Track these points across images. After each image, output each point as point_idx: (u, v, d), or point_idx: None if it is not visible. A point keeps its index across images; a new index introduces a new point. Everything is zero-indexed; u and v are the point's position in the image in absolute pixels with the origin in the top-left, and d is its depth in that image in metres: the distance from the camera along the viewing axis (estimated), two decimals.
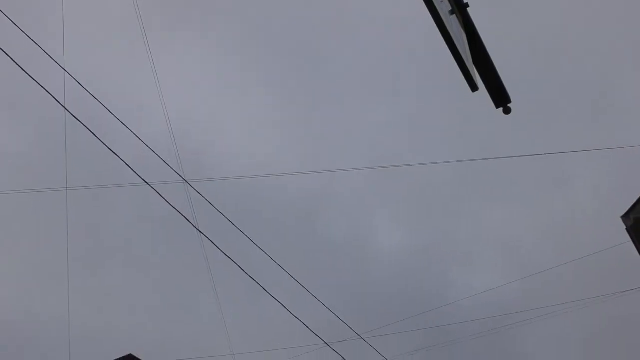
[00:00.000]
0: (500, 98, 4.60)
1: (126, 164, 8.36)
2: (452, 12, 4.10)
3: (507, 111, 4.54)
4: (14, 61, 6.77)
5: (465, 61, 3.93)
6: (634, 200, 18.10)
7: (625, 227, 17.66)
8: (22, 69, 6.85)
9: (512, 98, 4.64)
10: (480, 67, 4.49)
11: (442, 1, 3.88)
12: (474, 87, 3.99)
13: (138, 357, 31.39)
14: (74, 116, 7.56)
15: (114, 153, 8.24)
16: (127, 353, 31.42)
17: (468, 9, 4.49)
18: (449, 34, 3.74)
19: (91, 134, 7.87)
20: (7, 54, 6.71)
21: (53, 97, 7.27)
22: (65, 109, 7.64)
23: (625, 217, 17.63)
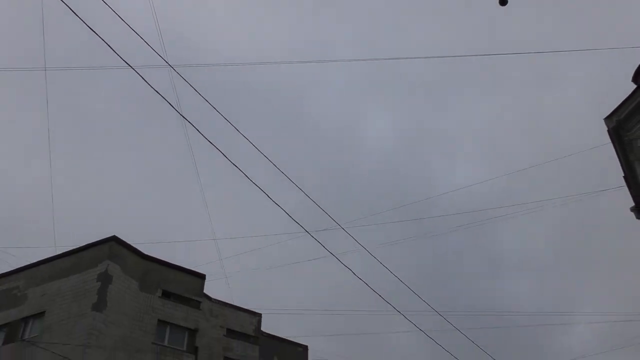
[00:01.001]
0: None
1: (107, 45, 8.12)
2: None
3: (504, 2, 4.44)
4: None
5: None
6: (619, 103, 18.17)
7: (607, 128, 17.90)
8: None
9: None
10: None
11: None
12: None
13: (122, 238, 32.09)
14: None
15: (95, 32, 7.98)
16: (111, 235, 32.04)
17: None
18: None
19: (71, 12, 7.57)
20: None
21: None
22: None
23: (608, 118, 17.82)
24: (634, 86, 18.96)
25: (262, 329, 37.87)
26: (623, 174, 20.12)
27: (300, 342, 40.16)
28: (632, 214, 20.74)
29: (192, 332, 33.08)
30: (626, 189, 20.55)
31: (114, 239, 30.93)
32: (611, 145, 19.23)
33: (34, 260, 32.41)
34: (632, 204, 20.51)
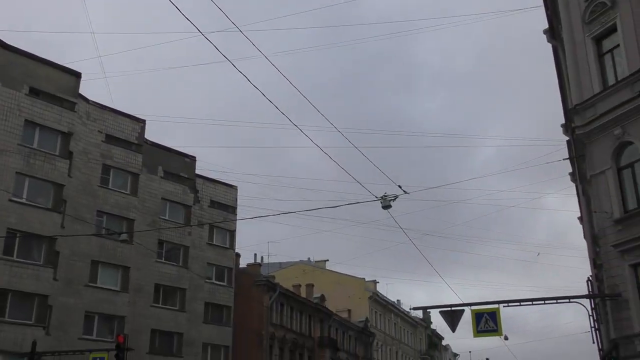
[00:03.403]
0: None
1: None
2: None
3: None
4: None
5: None
6: None
7: None
8: None
9: None
10: None
11: None
12: None
13: None
14: None
15: None
16: None
17: None
18: None
19: None
20: None
21: None
22: None
23: None
24: None
25: (147, 137, 37.79)
26: None
27: (189, 153, 40.75)
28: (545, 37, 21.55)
29: (66, 136, 32.41)
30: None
31: None
32: None
33: None
34: (547, 25, 21.22)
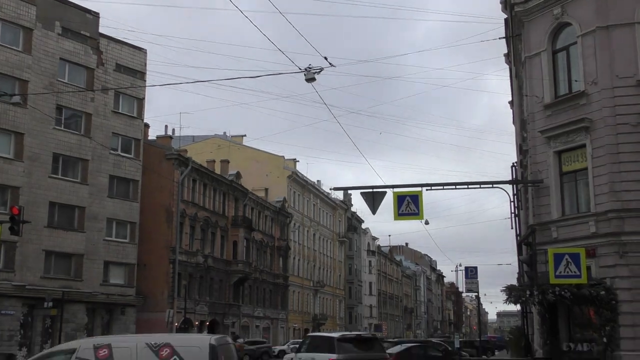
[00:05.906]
0: None
1: None
2: None
3: None
4: None
5: None
6: None
7: None
8: None
9: None
10: None
11: None
12: None
13: None
14: None
15: None
16: None
17: None
18: None
19: None
20: None
21: None
22: None
23: None
24: None
25: None
26: None
27: (91, 9, 38.99)
28: None
29: None
30: None
31: None
32: None
33: None
34: None
